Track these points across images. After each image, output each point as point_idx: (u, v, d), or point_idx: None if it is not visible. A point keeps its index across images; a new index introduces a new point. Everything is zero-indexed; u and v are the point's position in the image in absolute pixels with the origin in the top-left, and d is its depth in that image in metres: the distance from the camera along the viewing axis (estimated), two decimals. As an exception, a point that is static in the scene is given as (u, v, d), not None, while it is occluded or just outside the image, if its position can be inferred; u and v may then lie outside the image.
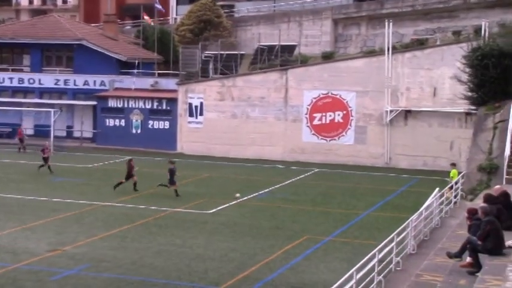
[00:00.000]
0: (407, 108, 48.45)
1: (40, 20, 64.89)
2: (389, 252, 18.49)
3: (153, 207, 32.68)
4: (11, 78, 59.14)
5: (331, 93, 50.22)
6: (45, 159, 41.92)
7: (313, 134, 50.72)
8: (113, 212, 31.62)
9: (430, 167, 46.97)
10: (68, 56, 60.16)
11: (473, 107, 36.84)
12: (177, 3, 76.43)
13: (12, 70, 60.54)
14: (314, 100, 50.63)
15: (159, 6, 60.96)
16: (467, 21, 56.33)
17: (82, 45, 58.34)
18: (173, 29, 64.71)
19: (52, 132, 53.25)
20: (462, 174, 30.84)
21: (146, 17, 62.52)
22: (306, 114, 50.79)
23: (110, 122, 55.69)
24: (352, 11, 62.19)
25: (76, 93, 58.01)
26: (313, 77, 50.72)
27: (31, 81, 58.77)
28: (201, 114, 53.18)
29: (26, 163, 45.43)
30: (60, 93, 58.64)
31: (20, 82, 58.96)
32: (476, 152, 31.02)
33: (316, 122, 50.68)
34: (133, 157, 40.40)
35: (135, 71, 57.90)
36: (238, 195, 35.29)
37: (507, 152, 27.34)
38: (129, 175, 36.68)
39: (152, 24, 61.91)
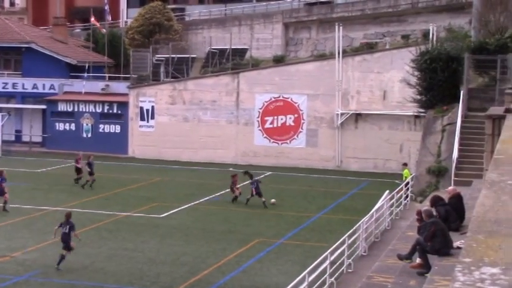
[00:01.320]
0: (357, 112, 48.91)
1: (-13, 23, 63.85)
2: (341, 254, 18.68)
3: (104, 212, 32.42)
4: (-43, 82, 58.10)
5: (283, 97, 50.45)
6: (79, 170, 39.82)
7: (265, 137, 50.87)
8: (63, 217, 31.21)
9: (381, 170, 47.49)
10: (16, 59, 59.29)
11: (422, 110, 37.36)
12: (128, 6, 75.84)
13: (-41, 73, 59.47)
14: (266, 103, 50.78)
15: (107, 12, 60.61)
16: (415, 26, 57.08)
17: (31, 49, 57.56)
18: (123, 32, 64.27)
19: (0, 137, 52.43)
20: (412, 176, 31.29)
21: (96, 23, 61.91)
22: (258, 117, 50.92)
23: (60, 126, 55.05)
24: (303, 14, 62.54)
25: (25, 97, 57.19)
26: (264, 81, 50.87)
27: (-22, 84, 57.79)
28: (152, 118, 52.93)
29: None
30: (8, 97, 57.71)
31: (-33, 86, 57.99)
32: (425, 155, 31.46)
33: (267, 125, 50.85)
34: (84, 161, 39.93)
35: (85, 74, 57.32)
36: (273, 200, 34.96)
37: (455, 155, 27.80)
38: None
39: (104, 31, 61.29)
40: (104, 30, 60.92)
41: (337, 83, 48.79)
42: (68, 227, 23.35)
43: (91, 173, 38.52)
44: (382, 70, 48.53)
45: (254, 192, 34.07)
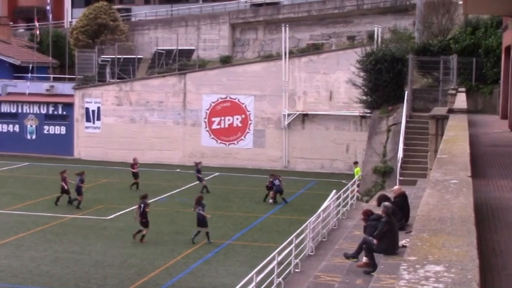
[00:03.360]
0: (304, 112, 49.21)
1: None
2: (289, 254, 18.79)
3: (49, 214, 31.99)
4: None
5: (230, 98, 50.47)
6: (136, 175, 39.28)
7: (213, 138, 50.83)
8: (7, 220, 30.76)
9: (327, 170, 47.86)
10: (-43, 59, 58.14)
11: (367, 111, 37.82)
12: (72, 6, 74.98)
13: None
14: (213, 104, 50.75)
15: (50, 12, 59.85)
16: (361, 27, 57.71)
17: (-27, 49, 56.51)
18: (68, 33, 63.51)
19: None
20: (360, 174, 31.66)
21: (36, 33, 61.02)
22: (205, 118, 50.86)
23: (3, 128, 54.15)
24: (250, 15, 62.69)
25: (-33, 98, 56.09)
26: (211, 81, 50.83)
27: None
28: (98, 119, 52.42)
29: None
30: (-51, 98, 56.56)
31: None
32: (371, 155, 31.85)
33: (215, 126, 50.82)
34: (28, 163, 39.39)
35: (29, 75, 56.51)
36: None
37: (400, 155, 28.21)
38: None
39: (37, 32, 60.28)
40: (38, 32, 59.91)
41: (284, 84, 49.02)
42: (199, 207, 27.32)
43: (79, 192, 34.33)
44: (328, 71, 48.90)
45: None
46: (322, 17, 59.95)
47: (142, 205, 27.44)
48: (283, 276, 17.89)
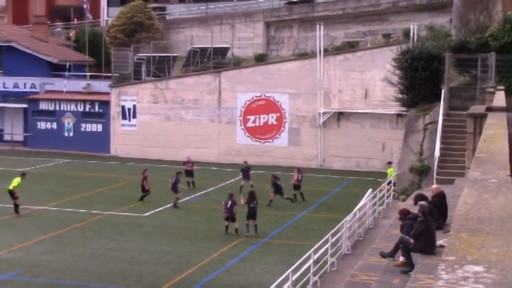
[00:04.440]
0: (339, 110, 49.08)
1: (-33, 21, 63.42)
2: (325, 253, 18.80)
3: (87, 211, 32.36)
4: None
5: (265, 96, 50.53)
6: (189, 173, 39.21)
7: (248, 136, 50.94)
8: (47, 216, 31.20)
9: (363, 168, 47.68)
10: (-4, 58, 58.99)
11: (403, 109, 37.56)
12: (108, 5, 75.58)
13: None
14: (248, 102, 50.85)
15: (87, 11, 60.40)
16: (396, 25, 57.33)
17: (11, 47, 57.23)
18: (104, 31, 64.07)
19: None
20: (395, 174, 31.50)
21: (72, 35, 61.67)
22: (240, 116, 50.99)
23: (42, 125, 54.84)
24: (284, 13, 62.62)
25: (6, 96, 56.89)
26: (246, 80, 50.93)
27: (-41, 83, 57.43)
28: (134, 116, 52.84)
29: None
30: (-11, 96, 57.48)
31: None
32: (407, 153, 31.66)
33: (250, 124, 50.92)
34: (67, 160, 39.86)
35: (67, 73, 57.14)
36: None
37: (437, 153, 28.00)
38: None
39: (71, 35, 60.81)
40: (72, 36, 60.45)
41: (319, 82, 48.95)
42: (254, 202, 28.32)
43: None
44: (364, 69, 48.71)
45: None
46: (358, 15, 59.68)
47: (229, 202, 28.39)
48: (319, 274, 17.91)
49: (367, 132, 48.55)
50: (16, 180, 31.37)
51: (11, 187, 31.28)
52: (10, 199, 31.27)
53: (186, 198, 35.79)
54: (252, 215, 28.27)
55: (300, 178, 36.13)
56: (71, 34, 60.39)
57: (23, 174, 32.35)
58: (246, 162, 40.00)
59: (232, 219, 28.36)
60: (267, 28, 62.73)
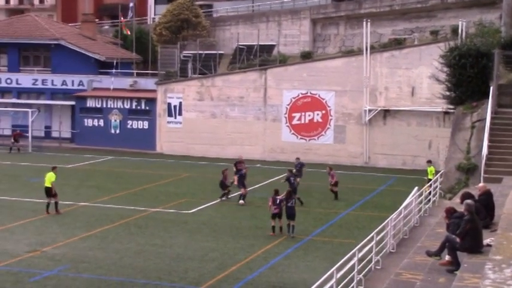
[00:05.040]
0: (386, 108, 48.69)
1: (17, 20, 64.41)
2: (369, 251, 18.62)
3: (132, 208, 32.61)
4: (-12, 78, 58.79)
5: (310, 93, 50.37)
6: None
7: (293, 134, 50.84)
8: (92, 212, 31.51)
9: (409, 166, 47.25)
10: (45, 55, 59.85)
11: (451, 107, 37.03)
12: (155, 3, 76.22)
13: (-10, 70, 60.15)
14: (293, 100, 50.74)
15: (132, 9, 61.00)
16: (444, 21, 56.69)
17: (60, 45, 58.07)
18: (151, 29, 64.57)
19: (30, 133, 53.03)
20: (441, 173, 31.09)
21: (123, 21, 62.20)
22: (285, 113, 50.90)
23: (89, 122, 55.50)
24: (331, 11, 62.40)
25: (54, 93, 57.74)
26: (292, 77, 50.82)
27: (8, 81, 58.41)
28: (180, 114, 53.12)
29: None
30: (38, 93, 58.35)
31: (-2, 82, 58.63)
32: (454, 151, 31.22)
33: (295, 121, 50.80)
34: (113, 157, 40.25)
35: (114, 71, 57.72)
36: (241, 202, 34.33)
37: (484, 151, 27.55)
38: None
39: (128, 32, 61.32)
40: (128, 32, 60.94)
41: (365, 79, 48.62)
42: (292, 201, 28.30)
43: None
44: (411, 66, 48.25)
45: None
46: (405, 12, 59.17)
47: (277, 198, 28.15)
48: (363, 273, 17.75)
49: (413, 130, 48.10)
50: (51, 175, 31.27)
51: (48, 184, 31.05)
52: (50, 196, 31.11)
53: (231, 195, 35.82)
54: (290, 215, 27.93)
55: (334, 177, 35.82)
56: (127, 31, 60.88)
57: (54, 168, 32.30)
58: (298, 158, 39.57)
59: (279, 216, 28.15)
60: (313, 25, 62.58)
